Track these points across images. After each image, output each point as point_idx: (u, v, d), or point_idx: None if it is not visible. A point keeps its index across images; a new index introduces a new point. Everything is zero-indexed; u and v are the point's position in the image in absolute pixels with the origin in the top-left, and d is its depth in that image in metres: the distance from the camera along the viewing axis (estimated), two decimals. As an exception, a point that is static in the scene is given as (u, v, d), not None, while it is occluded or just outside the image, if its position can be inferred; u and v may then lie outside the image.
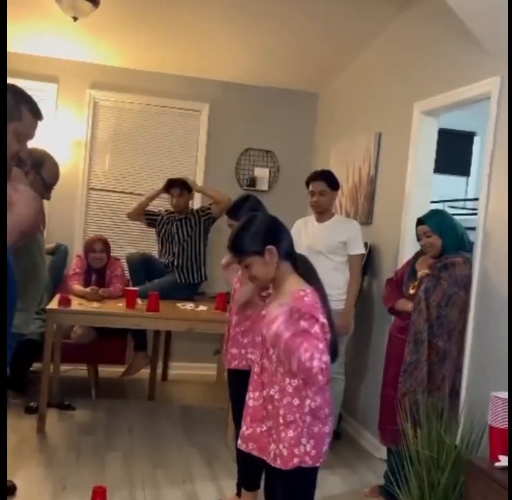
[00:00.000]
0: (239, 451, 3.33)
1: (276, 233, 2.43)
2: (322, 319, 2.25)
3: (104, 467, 3.81)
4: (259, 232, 2.40)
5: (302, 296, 2.28)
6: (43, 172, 3.10)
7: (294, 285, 2.36)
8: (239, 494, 3.43)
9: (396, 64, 4.61)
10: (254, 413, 2.42)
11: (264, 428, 2.40)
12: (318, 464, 2.33)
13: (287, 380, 2.30)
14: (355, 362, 4.69)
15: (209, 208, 5.48)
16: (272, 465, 2.34)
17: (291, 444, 2.29)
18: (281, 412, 2.31)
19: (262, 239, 2.38)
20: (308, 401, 2.29)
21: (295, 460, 2.29)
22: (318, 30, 4.83)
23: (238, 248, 2.43)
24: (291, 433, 2.29)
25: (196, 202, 5.98)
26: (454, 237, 3.46)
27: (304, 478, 2.37)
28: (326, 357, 2.17)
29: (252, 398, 2.44)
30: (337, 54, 5.27)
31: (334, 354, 2.36)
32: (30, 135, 2.03)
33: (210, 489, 3.64)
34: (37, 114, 2.05)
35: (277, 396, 2.33)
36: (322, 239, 4.28)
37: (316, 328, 2.21)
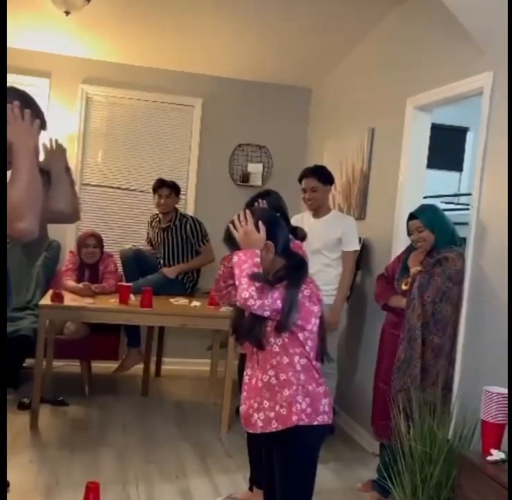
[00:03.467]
0: (250, 449, 3.36)
1: (274, 229, 2.39)
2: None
3: (97, 462, 3.81)
4: (258, 223, 2.36)
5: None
6: None
7: None
8: (251, 488, 3.44)
9: (389, 60, 4.61)
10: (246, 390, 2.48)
11: (251, 402, 2.42)
12: (315, 423, 2.33)
13: (273, 340, 2.32)
14: (348, 357, 4.70)
15: (199, 244, 5.33)
16: (267, 431, 2.34)
17: (289, 403, 2.30)
18: (272, 373, 2.33)
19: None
20: (297, 358, 2.32)
21: (294, 418, 2.30)
22: (312, 25, 4.82)
23: (233, 241, 2.40)
24: (286, 392, 2.31)
25: (189, 206, 5.96)
26: (446, 232, 3.46)
27: (304, 439, 2.36)
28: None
29: (246, 375, 2.49)
30: (331, 50, 5.27)
31: (321, 358, 2.42)
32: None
33: (204, 485, 3.64)
34: (44, 126, 2.13)
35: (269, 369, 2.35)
36: (319, 235, 4.27)
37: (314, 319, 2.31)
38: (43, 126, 2.10)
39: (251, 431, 2.42)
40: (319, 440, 2.42)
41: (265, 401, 2.35)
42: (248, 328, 2.34)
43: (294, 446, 2.36)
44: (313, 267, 4.29)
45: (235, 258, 2.30)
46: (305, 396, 2.32)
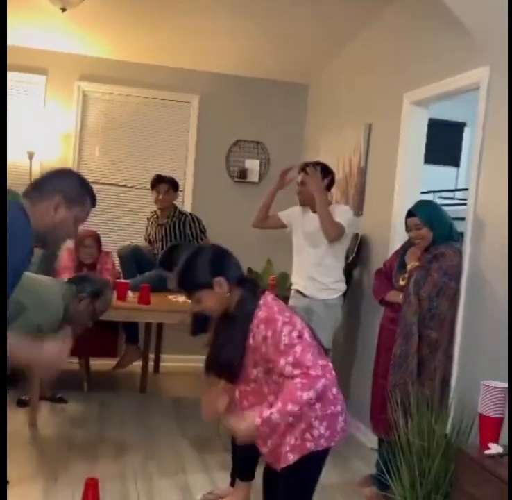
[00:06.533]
0: (233, 441, 3.35)
1: (222, 263, 2.41)
2: (286, 319, 2.29)
3: (96, 459, 3.81)
4: (204, 265, 2.38)
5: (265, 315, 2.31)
6: (97, 303, 3.13)
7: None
8: (232, 484, 3.43)
9: (386, 55, 4.61)
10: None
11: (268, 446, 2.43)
12: (332, 444, 2.37)
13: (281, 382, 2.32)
14: (346, 353, 4.71)
15: (198, 240, 5.26)
16: (285, 465, 2.35)
17: (303, 431, 2.31)
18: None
19: (208, 272, 2.37)
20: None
21: (309, 445, 2.32)
22: (308, 21, 4.82)
23: (185, 285, 2.42)
24: (302, 425, 2.32)
25: (186, 202, 5.96)
26: (444, 228, 3.46)
27: (315, 462, 2.40)
28: (308, 385, 2.20)
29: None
30: (327, 45, 5.26)
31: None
32: (85, 220, 2.26)
33: (202, 481, 3.65)
34: (95, 203, 2.24)
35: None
36: (315, 228, 4.23)
37: (294, 335, 2.25)
38: (95, 204, 2.25)
39: (284, 465, 2.39)
40: (325, 460, 2.44)
41: (286, 438, 2.36)
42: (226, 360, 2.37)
43: (305, 473, 2.38)
44: (310, 260, 4.28)
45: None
46: (322, 420, 2.33)
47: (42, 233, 2.06)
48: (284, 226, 4.50)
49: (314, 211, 4.29)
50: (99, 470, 3.59)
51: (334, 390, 2.38)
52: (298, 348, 2.23)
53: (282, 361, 2.23)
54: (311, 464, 2.37)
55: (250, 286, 2.43)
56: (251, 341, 2.32)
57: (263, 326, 2.28)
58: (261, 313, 2.31)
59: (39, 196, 2.06)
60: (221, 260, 2.43)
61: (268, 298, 2.39)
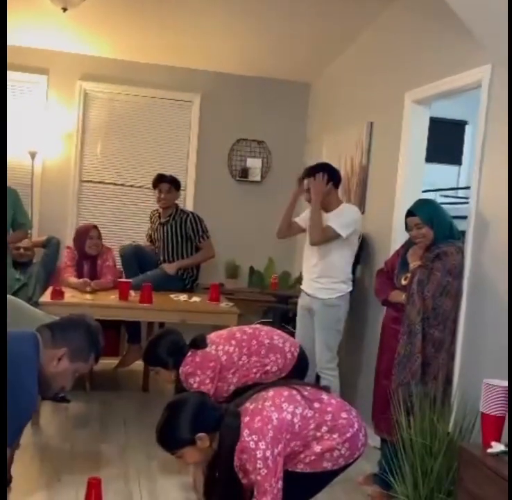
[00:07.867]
0: None
1: (203, 416, 2.33)
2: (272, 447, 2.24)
3: (99, 459, 3.82)
4: (185, 423, 2.32)
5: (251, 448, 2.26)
6: None
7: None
8: None
9: (387, 54, 4.60)
10: None
11: None
12: (351, 461, 2.44)
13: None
14: (349, 352, 4.70)
15: (199, 240, 5.29)
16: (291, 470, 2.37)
17: (322, 452, 2.38)
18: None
19: (190, 430, 2.30)
20: (319, 448, 2.36)
21: (326, 464, 2.37)
22: (310, 20, 4.81)
23: (166, 445, 2.38)
24: (319, 448, 2.37)
25: (188, 201, 5.97)
26: (444, 227, 3.45)
27: (326, 478, 2.45)
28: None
29: None
30: (329, 44, 5.26)
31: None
32: (83, 373, 2.31)
33: (205, 480, 3.64)
34: (98, 360, 2.30)
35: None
36: None
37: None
38: (98, 361, 2.33)
39: (289, 469, 2.39)
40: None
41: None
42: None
43: (310, 485, 2.41)
44: (313, 259, 4.26)
45: None
46: (344, 442, 2.37)
47: (40, 378, 2.14)
48: (304, 231, 4.38)
49: (326, 212, 4.23)
50: (102, 470, 3.59)
51: (344, 415, 2.42)
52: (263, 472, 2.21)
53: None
54: (322, 479, 2.41)
55: (228, 421, 2.33)
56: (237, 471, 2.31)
57: (245, 456, 2.26)
58: (239, 444, 2.27)
59: (49, 341, 2.15)
60: (202, 414, 2.34)
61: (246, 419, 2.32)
